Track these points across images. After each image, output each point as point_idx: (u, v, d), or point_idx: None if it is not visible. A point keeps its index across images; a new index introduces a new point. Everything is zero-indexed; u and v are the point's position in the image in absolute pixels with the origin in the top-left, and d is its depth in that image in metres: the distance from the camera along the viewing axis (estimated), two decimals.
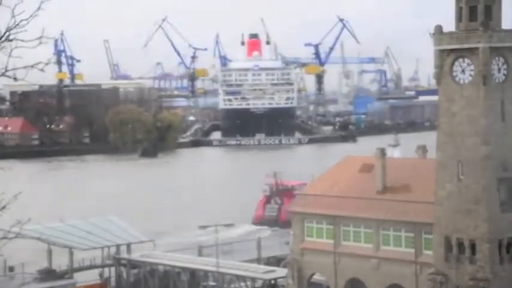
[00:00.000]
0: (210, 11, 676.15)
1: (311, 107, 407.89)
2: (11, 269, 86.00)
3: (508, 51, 57.96)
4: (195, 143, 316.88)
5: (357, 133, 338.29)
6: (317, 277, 70.01)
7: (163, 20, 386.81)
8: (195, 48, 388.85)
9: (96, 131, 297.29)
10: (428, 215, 59.25)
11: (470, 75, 57.15)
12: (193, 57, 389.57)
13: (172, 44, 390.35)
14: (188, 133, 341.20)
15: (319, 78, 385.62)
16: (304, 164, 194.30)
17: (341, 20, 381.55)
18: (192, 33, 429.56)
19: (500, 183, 56.49)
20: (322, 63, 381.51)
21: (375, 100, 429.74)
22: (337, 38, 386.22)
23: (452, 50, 57.96)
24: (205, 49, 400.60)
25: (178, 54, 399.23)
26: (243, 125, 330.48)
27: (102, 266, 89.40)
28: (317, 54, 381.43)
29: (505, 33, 57.98)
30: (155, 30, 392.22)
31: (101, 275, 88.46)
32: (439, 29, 58.75)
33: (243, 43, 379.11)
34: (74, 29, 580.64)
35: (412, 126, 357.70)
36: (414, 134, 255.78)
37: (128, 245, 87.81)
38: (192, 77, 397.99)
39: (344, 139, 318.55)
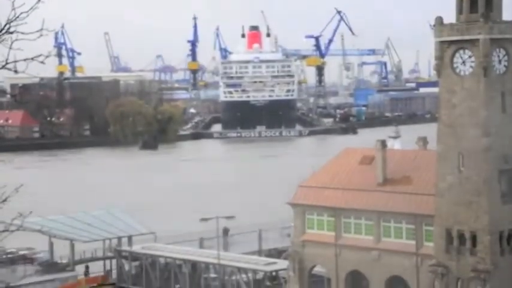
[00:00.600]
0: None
1: (311, 99, 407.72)
2: (13, 261, 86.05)
3: (509, 42, 57.90)
4: (196, 136, 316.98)
5: (358, 125, 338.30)
6: (318, 269, 70.14)
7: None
8: None
9: (96, 123, 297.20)
10: (429, 206, 59.29)
11: (471, 66, 57.11)
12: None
13: None
14: (189, 125, 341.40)
15: (320, 70, 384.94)
16: (308, 155, 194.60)
17: (338, 12, 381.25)
18: None
19: (501, 175, 56.50)
20: (322, 55, 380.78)
21: (376, 92, 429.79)
22: (335, 30, 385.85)
23: (452, 42, 57.92)
24: None
25: None
26: (244, 118, 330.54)
27: (104, 258, 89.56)
28: (318, 46, 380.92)
29: (505, 24, 57.93)
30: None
31: (86, 272, 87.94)
32: (439, 21, 58.70)
33: (243, 35, 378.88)
34: (74, 21, 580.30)
35: (412, 118, 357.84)
36: (415, 126, 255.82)
37: (129, 237, 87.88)
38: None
39: (344, 131, 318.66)
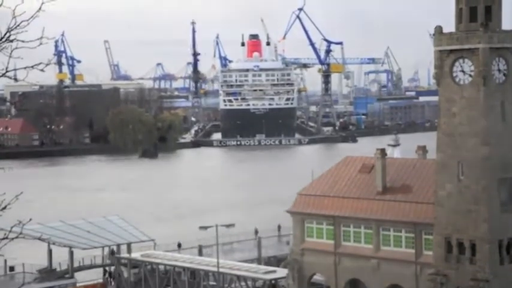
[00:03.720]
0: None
1: (312, 108, 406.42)
2: (11, 268, 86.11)
3: (508, 51, 57.97)
4: (196, 144, 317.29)
5: (357, 133, 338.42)
6: (317, 277, 70.08)
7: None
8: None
9: (96, 131, 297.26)
10: (428, 215, 59.31)
11: (470, 75, 57.17)
12: (328, 51, 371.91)
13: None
14: (189, 134, 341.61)
15: (326, 77, 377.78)
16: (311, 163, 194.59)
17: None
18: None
19: (500, 184, 56.50)
20: (322, 63, 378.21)
21: (375, 101, 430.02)
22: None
23: (452, 51, 57.98)
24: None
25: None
26: (243, 126, 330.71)
27: (103, 266, 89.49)
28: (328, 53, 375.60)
29: (505, 34, 58.01)
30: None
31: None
32: (439, 30, 58.80)
33: (243, 44, 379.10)
34: (74, 29, 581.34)
35: (412, 127, 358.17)
36: (414, 135, 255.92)
37: (129, 245, 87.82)
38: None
39: (344, 139, 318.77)
